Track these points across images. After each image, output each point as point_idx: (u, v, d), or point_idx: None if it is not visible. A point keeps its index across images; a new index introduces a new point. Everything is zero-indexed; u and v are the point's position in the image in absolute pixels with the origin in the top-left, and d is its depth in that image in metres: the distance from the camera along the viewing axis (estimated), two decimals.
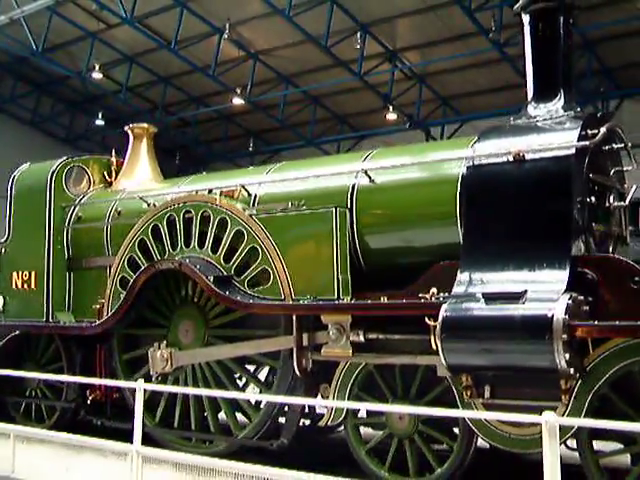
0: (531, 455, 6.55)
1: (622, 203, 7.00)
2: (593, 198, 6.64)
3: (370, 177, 7.62)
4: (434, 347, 6.27)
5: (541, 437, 5.23)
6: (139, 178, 10.66)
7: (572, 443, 6.40)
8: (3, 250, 10.68)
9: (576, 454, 6.33)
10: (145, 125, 11.20)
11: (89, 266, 10.07)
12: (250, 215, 7.97)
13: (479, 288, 6.24)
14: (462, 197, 6.95)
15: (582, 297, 5.99)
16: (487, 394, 6.36)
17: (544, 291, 5.92)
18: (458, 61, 24.64)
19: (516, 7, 7.35)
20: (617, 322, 5.75)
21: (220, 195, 8.42)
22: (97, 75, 26.52)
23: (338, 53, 24.14)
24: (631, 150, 7.37)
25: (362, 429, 7.67)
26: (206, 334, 8.59)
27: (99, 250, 9.95)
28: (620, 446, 6.35)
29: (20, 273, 10.30)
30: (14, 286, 10.38)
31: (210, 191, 8.71)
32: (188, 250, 8.51)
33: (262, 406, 8.31)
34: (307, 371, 7.57)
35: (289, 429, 7.87)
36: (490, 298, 6.09)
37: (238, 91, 26.64)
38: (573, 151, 6.43)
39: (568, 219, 6.26)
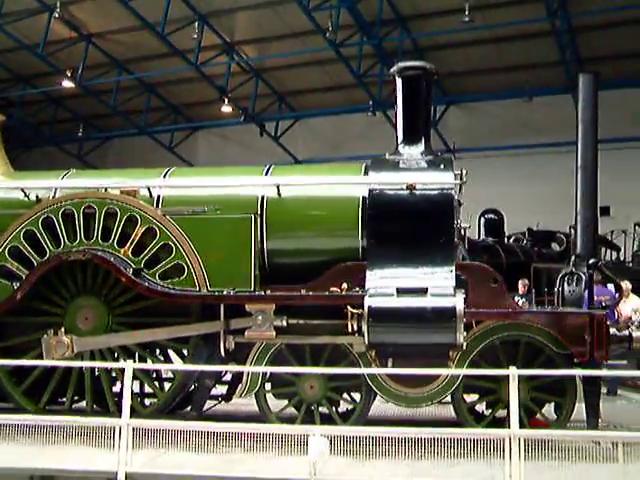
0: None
1: (466, 225, 9.57)
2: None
3: (278, 190, 8.95)
4: (350, 329, 8.16)
5: (430, 394, 8.35)
6: None
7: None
8: None
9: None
10: None
11: None
12: (164, 214, 8.85)
13: (388, 283, 8.20)
14: (365, 213, 8.70)
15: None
16: (389, 365, 8.39)
17: (439, 287, 8.12)
18: (295, 58, 25.04)
19: (391, 71, 9.30)
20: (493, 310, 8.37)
21: (121, 194, 9.05)
22: None
23: (175, 41, 23.84)
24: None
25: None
26: (110, 322, 9.06)
27: None
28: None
29: None
30: None
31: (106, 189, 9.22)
32: (89, 243, 8.96)
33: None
34: (228, 352, 8.69)
35: (199, 403, 9.10)
36: (402, 292, 8.08)
37: (68, 74, 25.63)
38: (452, 186, 8.70)
39: (451, 234, 8.52)
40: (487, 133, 26.33)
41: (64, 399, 9.35)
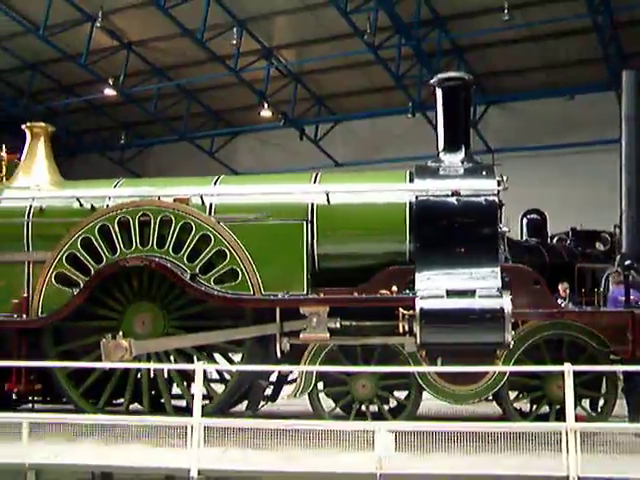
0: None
1: (505, 229, 9.72)
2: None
3: (328, 197, 9.39)
4: (401, 330, 8.58)
5: (477, 391, 8.80)
6: (38, 177, 10.75)
7: None
8: None
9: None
10: (43, 124, 11.16)
11: None
12: (218, 221, 9.28)
13: (436, 285, 8.66)
14: (412, 218, 9.14)
15: None
16: (439, 364, 8.81)
17: (486, 288, 8.58)
18: (333, 61, 25.03)
19: (431, 82, 9.81)
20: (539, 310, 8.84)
21: (175, 202, 9.48)
22: None
23: (214, 48, 23.99)
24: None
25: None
26: (166, 325, 9.46)
27: (12, 245, 10.02)
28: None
29: None
30: None
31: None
32: (144, 250, 9.36)
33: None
34: (283, 353, 9.07)
35: (254, 403, 9.54)
36: (451, 293, 8.53)
37: (110, 82, 25.94)
38: (495, 192, 9.14)
39: (495, 237, 9.05)
40: (528, 132, 26.02)
41: (116, 400, 9.86)
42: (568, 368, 7.66)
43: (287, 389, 10.07)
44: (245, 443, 8.21)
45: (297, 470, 7.71)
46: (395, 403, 9.47)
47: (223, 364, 10.35)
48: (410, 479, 7.57)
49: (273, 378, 10.07)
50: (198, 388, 8.20)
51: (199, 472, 7.66)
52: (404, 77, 24.21)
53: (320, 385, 9.40)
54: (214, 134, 30.57)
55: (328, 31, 23.45)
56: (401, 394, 9.46)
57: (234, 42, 23.50)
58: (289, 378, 10.10)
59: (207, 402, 9.51)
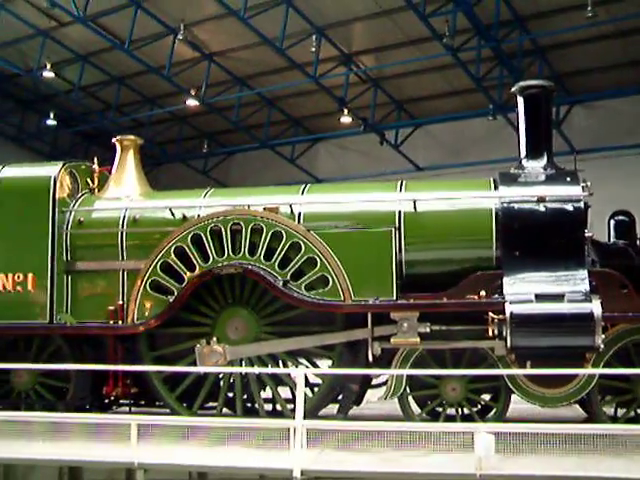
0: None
1: (589, 233, 9.62)
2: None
3: (415, 205, 9.58)
4: (490, 334, 8.68)
5: (567, 394, 8.82)
6: (128, 188, 11.12)
7: None
8: None
9: None
10: (132, 137, 11.58)
11: (91, 269, 10.44)
12: (308, 230, 9.51)
13: (525, 289, 8.81)
14: (498, 224, 9.33)
15: None
16: (528, 366, 8.81)
17: (574, 292, 8.71)
18: (412, 65, 24.92)
19: (513, 90, 10.02)
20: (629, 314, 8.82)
21: (264, 210, 9.76)
22: (48, 74, 25.99)
23: (293, 55, 24.19)
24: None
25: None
26: (258, 331, 9.76)
27: (107, 254, 10.38)
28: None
29: (11, 275, 10.39)
30: (0, 288, 10.40)
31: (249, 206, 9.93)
32: (236, 258, 9.64)
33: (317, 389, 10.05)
34: (375, 357, 9.25)
35: (345, 406, 9.72)
36: (540, 298, 8.68)
37: (192, 92, 26.47)
38: (581, 198, 9.25)
39: (582, 242, 9.18)
40: (614, 132, 25.29)
41: (207, 404, 10.25)
42: None
43: (371, 393, 10.37)
44: (339, 445, 8.42)
45: (397, 471, 7.86)
46: (480, 406, 9.65)
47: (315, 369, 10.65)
48: None
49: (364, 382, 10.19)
50: (300, 391, 8.41)
51: (302, 472, 7.91)
52: (484, 79, 23.89)
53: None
54: (294, 141, 30.80)
55: (406, 35, 23.37)
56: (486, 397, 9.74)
57: (313, 49, 23.62)
58: (373, 382, 10.32)
59: (291, 406, 9.70)
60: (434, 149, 28.47)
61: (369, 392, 10.60)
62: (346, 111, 26.91)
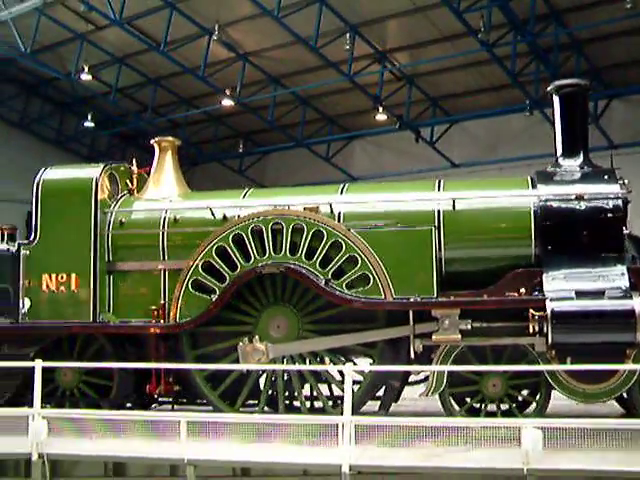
0: None
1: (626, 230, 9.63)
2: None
3: (454, 204, 9.69)
4: (531, 331, 8.79)
5: (608, 390, 8.83)
6: (167, 189, 11.31)
7: None
8: (27, 252, 10.75)
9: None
10: (171, 139, 11.74)
11: (133, 269, 10.67)
12: (348, 229, 9.60)
13: (565, 286, 8.92)
14: (537, 222, 9.43)
15: None
16: (568, 363, 8.82)
17: (614, 289, 8.80)
18: (447, 62, 24.75)
19: (549, 89, 10.04)
20: None
21: (304, 210, 9.88)
22: (86, 77, 26.39)
23: (327, 54, 24.22)
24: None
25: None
26: (300, 329, 9.88)
27: (148, 255, 10.58)
28: None
29: (54, 275, 10.58)
30: (44, 288, 10.60)
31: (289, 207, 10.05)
32: (277, 257, 9.75)
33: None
34: (416, 354, 9.34)
35: (387, 403, 9.83)
36: (580, 294, 8.79)
37: (227, 92, 26.62)
38: (619, 195, 9.31)
39: (622, 240, 9.26)
40: None
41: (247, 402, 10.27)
42: None
43: (409, 390, 10.41)
44: (382, 441, 8.48)
45: (442, 465, 7.97)
46: (519, 402, 9.66)
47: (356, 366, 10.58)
48: (558, 474, 7.72)
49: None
50: (348, 388, 8.51)
51: (350, 468, 8.05)
52: (520, 74, 23.66)
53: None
54: (330, 139, 30.80)
55: (441, 31, 23.26)
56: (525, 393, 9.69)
57: (347, 47, 23.60)
58: (410, 379, 10.36)
59: (330, 403, 9.93)
60: (470, 146, 28.28)
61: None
62: (381, 109, 26.84)
